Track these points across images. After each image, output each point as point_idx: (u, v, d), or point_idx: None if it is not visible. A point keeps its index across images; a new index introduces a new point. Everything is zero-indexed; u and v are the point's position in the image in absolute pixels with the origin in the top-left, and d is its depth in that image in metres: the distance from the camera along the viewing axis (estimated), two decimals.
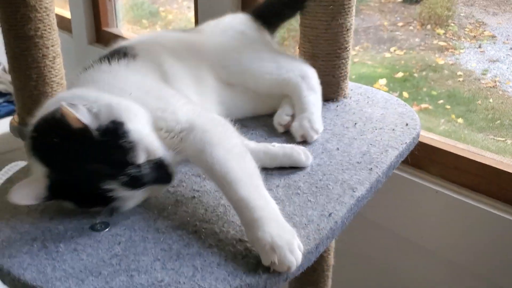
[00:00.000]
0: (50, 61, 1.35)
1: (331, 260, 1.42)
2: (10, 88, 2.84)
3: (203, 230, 0.78)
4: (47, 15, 1.31)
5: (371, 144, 1.03)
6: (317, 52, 1.23)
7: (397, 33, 2.09)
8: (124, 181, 0.74)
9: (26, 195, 0.75)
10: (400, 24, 2.11)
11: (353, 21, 1.25)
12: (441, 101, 1.80)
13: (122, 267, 0.71)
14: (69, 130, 0.73)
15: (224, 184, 0.76)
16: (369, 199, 0.92)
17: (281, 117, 1.08)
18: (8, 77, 2.64)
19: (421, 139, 1.50)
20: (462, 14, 1.75)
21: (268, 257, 0.68)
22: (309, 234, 0.77)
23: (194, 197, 0.87)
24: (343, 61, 1.26)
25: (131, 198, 0.78)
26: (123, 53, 0.96)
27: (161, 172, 0.78)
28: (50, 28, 1.32)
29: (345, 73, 1.26)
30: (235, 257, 0.72)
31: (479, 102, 1.65)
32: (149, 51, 1.01)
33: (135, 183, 0.75)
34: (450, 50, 1.84)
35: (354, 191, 0.89)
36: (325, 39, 1.22)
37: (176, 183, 0.89)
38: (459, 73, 1.79)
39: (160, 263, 0.71)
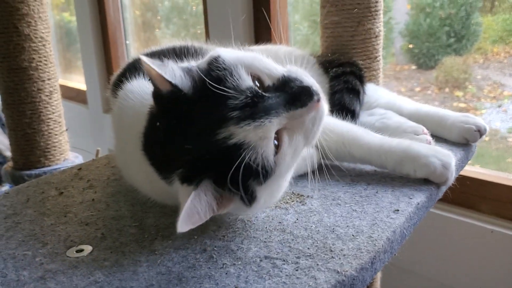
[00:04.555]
0: (47, 95, 1.21)
1: None
2: None
3: (215, 249, 0.58)
4: (43, 45, 1.19)
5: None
6: None
7: (415, 98, 2.04)
8: (237, 116, 0.52)
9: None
10: (418, 89, 2.05)
11: (381, 27, 1.10)
12: (469, 162, 1.69)
13: None
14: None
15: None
16: (429, 209, 0.71)
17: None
18: None
19: (469, 174, 1.31)
20: (478, 77, 1.71)
21: (442, 175, 0.71)
22: (360, 246, 0.56)
23: None
24: (374, 72, 1.10)
25: (264, 143, 0.53)
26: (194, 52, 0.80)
27: (291, 90, 0.56)
28: (46, 60, 1.20)
29: (378, 85, 1.09)
30: (261, 278, 0.52)
31: (510, 160, 1.56)
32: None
33: (251, 113, 0.52)
34: (471, 111, 1.76)
35: (411, 198, 0.68)
36: (351, 48, 1.07)
37: None
38: None
39: None
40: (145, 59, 0.54)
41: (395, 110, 0.95)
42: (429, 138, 0.82)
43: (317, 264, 0.53)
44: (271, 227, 0.62)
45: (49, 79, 1.21)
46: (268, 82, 0.56)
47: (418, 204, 0.67)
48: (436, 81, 1.90)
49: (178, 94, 0.54)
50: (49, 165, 1.22)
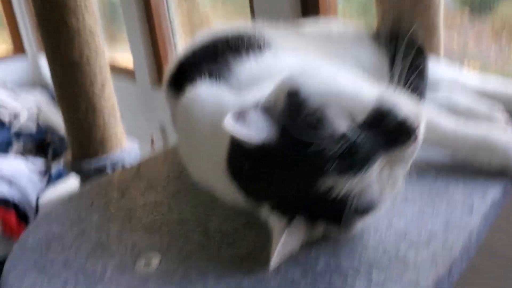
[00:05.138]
0: (99, 89, 1.22)
1: None
2: None
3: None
4: (92, 38, 1.19)
5: None
6: None
7: (468, 48, 1.90)
8: (337, 168, 0.49)
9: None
10: (471, 39, 1.91)
11: None
12: None
13: None
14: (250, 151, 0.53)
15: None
16: (504, 205, 0.67)
17: None
18: None
19: None
20: None
21: None
22: (435, 255, 0.54)
23: None
24: (435, 45, 1.03)
25: (368, 187, 0.51)
26: (248, 42, 0.77)
27: (386, 129, 0.51)
28: (96, 53, 1.20)
29: (439, 58, 1.03)
30: None
31: None
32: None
33: (352, 162, 0.49)
34: None
35: (485, 194, 0.64)
36: (411, 20, 1.00)
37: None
38: None
39: None
40: (230, 126, 0.51)
41: (458, 87, 0.89)
42: (506, 121, 0.76)
43: (391, 279, 0.51)
44: (338, 235, 0.60)
45: (100, 72, 1.22)
46: (359, 117, 0.51)
47: (493, 200, 0.63)
48: (492, 29, 1.79)
49: (265, 147, 0.51)
50: (107, 155, 1.24)
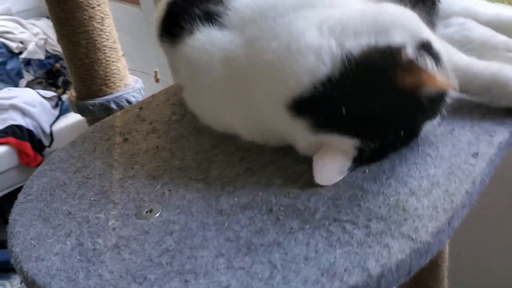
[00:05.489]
0: (99, 22, 1.18)
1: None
2: None
3: (281, 208, 0.57)
4: None
5: None
6: None
7: None
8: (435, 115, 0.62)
9: (332, 173, 0.60)
10: None
11: None
12: None
13: (174, 268, 0.51)
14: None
15: None
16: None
17: None
18: None
19: None
20: None
21: None
22: (435, 203, 0.53)
23: (271, 162, 0.65)
24: None
25: None
26: None
27: None
28: None
29: None
30: (331, 246, 0.50)
31: None
32: None
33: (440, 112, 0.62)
34: None
35: (492, 136, 0.62)
36: None
37: (248, 147, 0.69)
38: None
39: (225, 260, 0.51)
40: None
41: (471, 17, 0.84)
42: None
43: (390, 229, 0.51)
44: (338, 181, 0.59)
45: (98, 5, 1.17)
46: None
47: (501, 143, 0.61)
48: None
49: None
50: (111, 93, 1.23)
